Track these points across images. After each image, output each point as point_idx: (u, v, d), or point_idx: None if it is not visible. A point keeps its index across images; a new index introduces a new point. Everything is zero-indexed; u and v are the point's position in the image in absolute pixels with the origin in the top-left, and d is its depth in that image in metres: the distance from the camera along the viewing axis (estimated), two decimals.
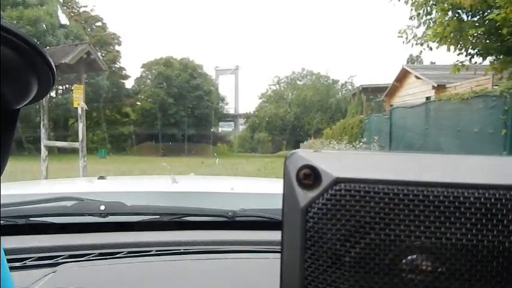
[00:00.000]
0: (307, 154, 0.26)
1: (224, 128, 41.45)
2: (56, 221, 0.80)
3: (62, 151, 10.63)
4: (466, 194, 0.25)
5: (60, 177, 8.66)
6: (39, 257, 0.65)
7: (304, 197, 0.26)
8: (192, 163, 14.35)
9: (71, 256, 0.67)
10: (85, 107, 6.47)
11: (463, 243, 0.25)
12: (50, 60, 0.35)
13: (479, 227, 0.24)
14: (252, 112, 33.09)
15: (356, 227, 0.25)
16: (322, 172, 0.26)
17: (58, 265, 0.64)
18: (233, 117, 41.18)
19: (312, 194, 0.26)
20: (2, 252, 0.34)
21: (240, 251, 0.71)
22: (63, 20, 21.66)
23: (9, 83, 0.34)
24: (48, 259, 0.65)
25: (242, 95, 43.55)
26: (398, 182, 0.25)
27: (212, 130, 35.22)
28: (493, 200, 0.24)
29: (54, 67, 0.36)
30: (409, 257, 0.26)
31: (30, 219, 0.79)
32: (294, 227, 0.26)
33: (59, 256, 0.66)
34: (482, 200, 0.25)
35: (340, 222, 0.25)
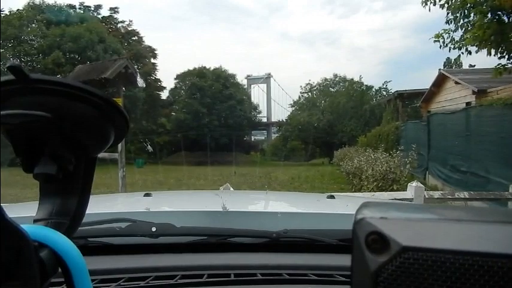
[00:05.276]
0: (375, 220, 0.28)
1: (257, 136, 41.59)
2: (111, 242, 0.85)
3: (101, 161, 11.07)
4: None
5: (100, 186, 8.99)
6: (102, 279, 0.70)
7: (374, 261, 0.27)
8: (226, 172, 14.53)
9: (130, 279, 0.70)
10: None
11: None
12: (124, 110, 0.39)
13: None
14: (284, 120, 32.97)
15: None
16: (391, 239, 0.27)
17: None
18: (266, 126, 41.27)
19: (382, 259, 0.27)
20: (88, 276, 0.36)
21: (292, 280, 0.72)
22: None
23: (91, 135, 0.38)
24: (111, 282, 0.69)
25: (274, 103, 43.50)
26: (464, 252, 0.26)
27: (245, 139, 35.45)
28: None
29: (127, 116, 0.39)
30: None
31: (89, 239, 0.84)
32: None
33: (120, 279, 0.70)
34: None
35: None
